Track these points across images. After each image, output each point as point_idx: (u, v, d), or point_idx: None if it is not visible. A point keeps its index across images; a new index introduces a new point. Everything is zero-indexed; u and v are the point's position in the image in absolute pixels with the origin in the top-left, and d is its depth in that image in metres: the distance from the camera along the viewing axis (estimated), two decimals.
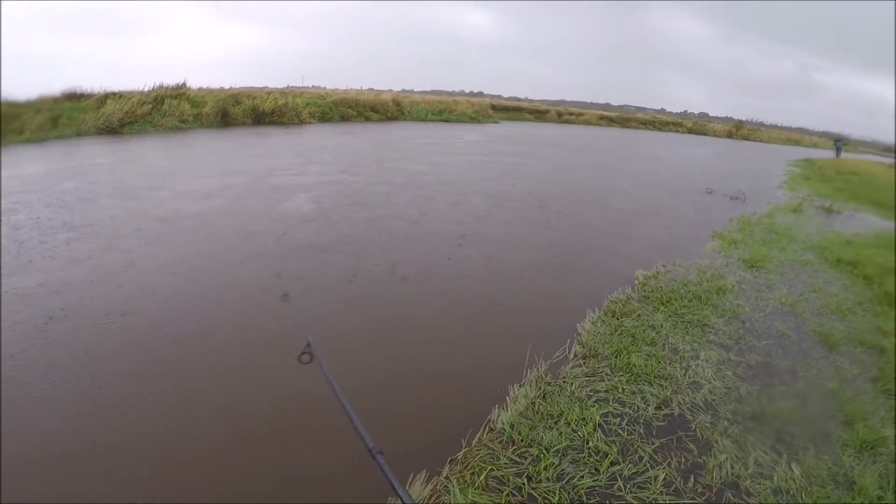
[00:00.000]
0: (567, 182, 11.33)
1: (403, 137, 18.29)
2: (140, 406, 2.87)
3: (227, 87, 21.37)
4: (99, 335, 3.55)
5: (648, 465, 2.65)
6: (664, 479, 2.55)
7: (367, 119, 23.87)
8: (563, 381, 3.34)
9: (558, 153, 17.54)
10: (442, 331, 4.06)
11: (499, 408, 2.98)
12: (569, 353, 3.75)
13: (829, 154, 36.74)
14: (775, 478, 2.61)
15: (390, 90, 36.49)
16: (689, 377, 3.52)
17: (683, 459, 2.71)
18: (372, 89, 34.63)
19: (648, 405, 3.15)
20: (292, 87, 31.37)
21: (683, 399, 3.25)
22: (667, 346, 3.95)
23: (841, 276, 6.17)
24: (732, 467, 2.66)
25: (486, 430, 2.82)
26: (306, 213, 6.83)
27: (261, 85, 25.29)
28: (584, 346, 3.83)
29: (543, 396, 3.14)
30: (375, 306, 4.33)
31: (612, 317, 4.39)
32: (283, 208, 7.02)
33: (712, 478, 2.58)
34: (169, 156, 11.49)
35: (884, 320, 4.89)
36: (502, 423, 2.85)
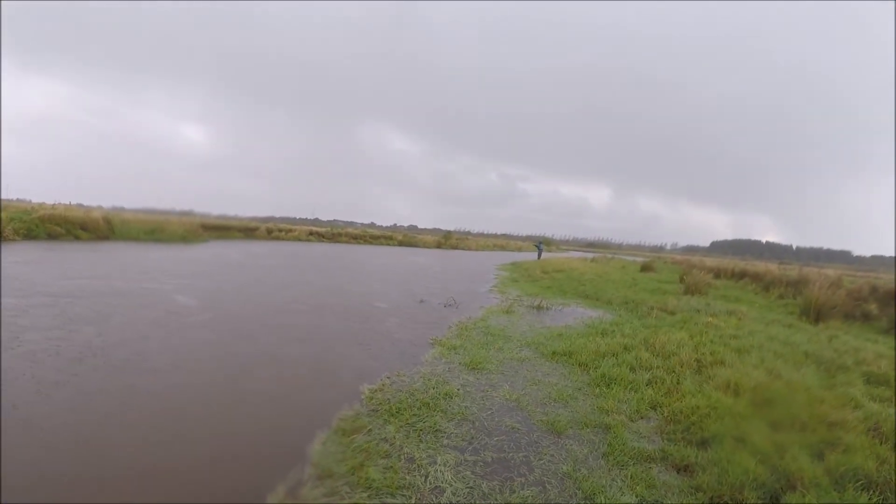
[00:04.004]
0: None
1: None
2: None
3: None
4: None
5: None
6: None
7: (77, 237, 24.18)
8: None
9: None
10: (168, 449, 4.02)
11: None
12: (303, 475, 3.76)
13: (533, 255, 43.69)
14: None
15: (100, 206, 37.52)
16: (431, 483, 3.76)
17: None
18: (81, 205, 35.54)
19: None
20: None
21: None
22: (402, 456, 4.17)
23: (558, 367, 7.27)
24: None
25: None
26: None
27: None
28: (316, 467, 3.88)
29: None
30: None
31: (343, 435, 4.50)
32: None
33: None
34: None
35: (604, 400, 5.87)
36: None
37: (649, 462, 4.44)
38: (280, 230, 45.13)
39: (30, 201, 33.86)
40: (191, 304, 10.09)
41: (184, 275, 14.52)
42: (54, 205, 29.00)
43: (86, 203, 38.13)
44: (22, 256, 15.53)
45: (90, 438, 4.31)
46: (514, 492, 3.74)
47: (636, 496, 3.80)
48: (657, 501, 3.79)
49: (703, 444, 4.77)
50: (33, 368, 5.70)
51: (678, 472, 4.30)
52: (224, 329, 8.30)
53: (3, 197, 39.02)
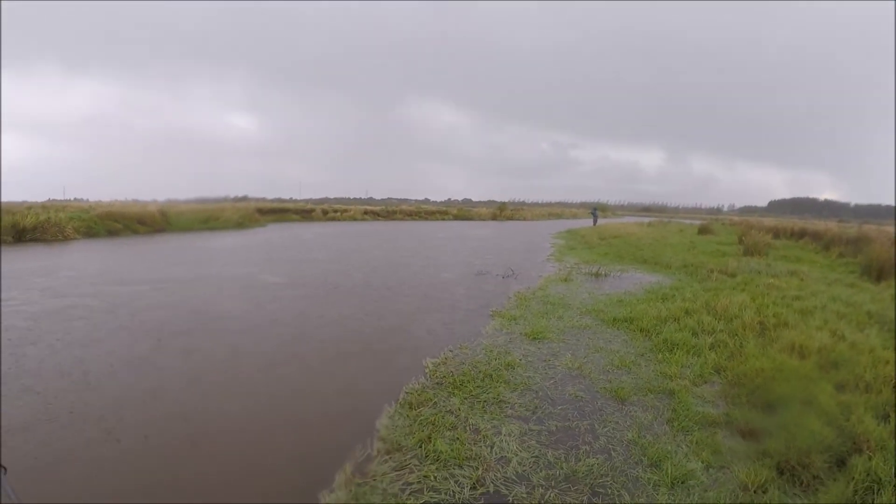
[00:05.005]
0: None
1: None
2: None
3: None
4: None
5: None
6: None
7: (136, 232, 24.97)
8: (374, 480, 3.40)
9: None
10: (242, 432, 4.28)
11: None
12: (372, 450, 3.84)
13: (589, 222, 43.38)
14: None
15: (155, 200, 38.76)
16: (497, 453, 3.77)
17: None
18: (136, 200, 36.49)
19: (463, 487, 3.31)
20: (54, 200, 37.14)
21: (496, 475, 3.46)
22: (468, 427, 4.20)
23: (619, 334, 7.21)
24: None
25: None
26: None
27: (20, 199, 28.17)
28: (385, 442, 3.96)
29: (356, 498, 3.17)
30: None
31: (409, 408, 4.58)
32: None
33: None
34: None
35: (667, 366, 5.81)
36: None
37: (714, 427, 4.35)
38: (335, 211, 45.77)
39: (87, 201, 35.76)
40: (278, 282, 10.83)
41: (257, 260, 15.06)
42: (111, 202, 30.27)
43: (140, 199, 39.70)
44: (100, 253, 16.35)
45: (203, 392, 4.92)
46: (580, 460, 3.72)
47: (702, 462, 3.74)
48: (723, 467, 3.73)
49: (768, 407, 4.66)
50: (163, 336, 6.79)
51: (743, 437, 4.20)
52: (308, 302, 9.04)
53: (61, 198, 41.23)
